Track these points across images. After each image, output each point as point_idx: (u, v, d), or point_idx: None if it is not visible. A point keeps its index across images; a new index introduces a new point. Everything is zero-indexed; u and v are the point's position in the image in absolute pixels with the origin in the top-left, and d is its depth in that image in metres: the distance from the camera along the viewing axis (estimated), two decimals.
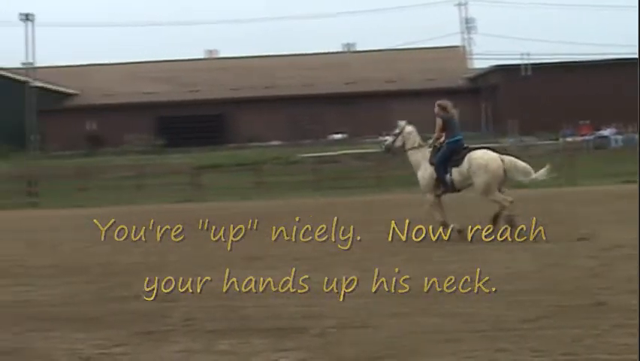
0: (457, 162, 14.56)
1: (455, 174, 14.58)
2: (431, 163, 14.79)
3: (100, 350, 7.24)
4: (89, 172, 42.15)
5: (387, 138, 15.85)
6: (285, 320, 8.15)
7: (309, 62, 65.01)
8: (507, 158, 14.60)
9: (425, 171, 14.85)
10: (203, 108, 58.85)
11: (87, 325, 8.37)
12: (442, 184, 14.74)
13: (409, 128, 15.42)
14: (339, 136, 54.76)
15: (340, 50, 71.69)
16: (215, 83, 61.99)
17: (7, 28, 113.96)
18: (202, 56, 70.78)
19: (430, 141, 14.95)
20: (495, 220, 14.19)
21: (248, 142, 55.43)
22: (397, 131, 15.55)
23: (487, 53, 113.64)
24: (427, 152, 14.94)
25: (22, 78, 54.41)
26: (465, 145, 14.86)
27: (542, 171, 14.44)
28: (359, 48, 71.52)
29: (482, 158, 14.47)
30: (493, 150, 15.18)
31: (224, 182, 40.99)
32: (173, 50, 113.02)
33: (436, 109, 14.83)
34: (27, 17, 48.59)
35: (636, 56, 46.90)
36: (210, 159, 47.03)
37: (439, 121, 14.79)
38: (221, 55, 70.20)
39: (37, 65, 55.18)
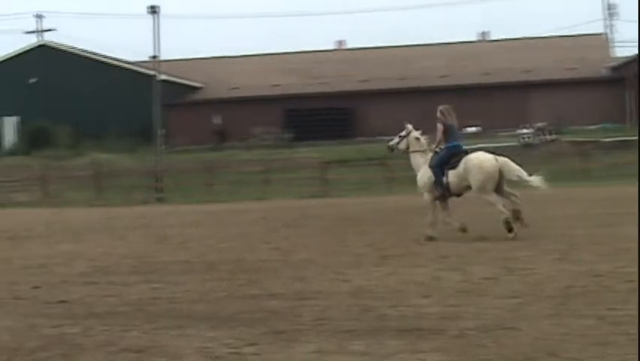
0: (454, 165, 15.59)
1: (451, 176, 15.57)
2: (430, 166, 15.84)
3: (230, 350, 7.32)
4: (215, 167, 42.90)
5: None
6: (421, 321, 8.08)
7: (442, 52, 64.47)
8: (501, 159, 15.52)
9: (424, 174, 15.95)
10: (332, 101, 59.10)
11: (218, 323, 8.49)
12: (438, 186, 15.71)
13: (416, 133, 16.43)
14: (473, 129, 54.20)
15: (475, 39, 70.86)
16: (345, 75, 62.18)
17: (134, 22, 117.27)
18: (331, 47, 71.15)
19: (433, 146, 15.98)
20: (516, 218, 14.95)
21: (377, 136, 55.42)
22: (404, 133, 16.58)
23: (631, 40, 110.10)
24: (428, 156, 16.01)
25: (149, 72, 55.79)
26: (464, 149, 15.98)
27: (536, 178, 15.27)
28: (494, 37, 70.54)
29: (477, 158, 15.53)
30: (491, 151, 16.18)
31: (353, 177, 41.08)
32: (301, 42, 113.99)
33: (438, 114, 16.07)
34: (153, 10, 49.80)
35: None
36: (339, 154, 47.24)
37: (440, 127, 15.94)
38: (350, 46, 70.38)
39: (163, 58, 56.47)
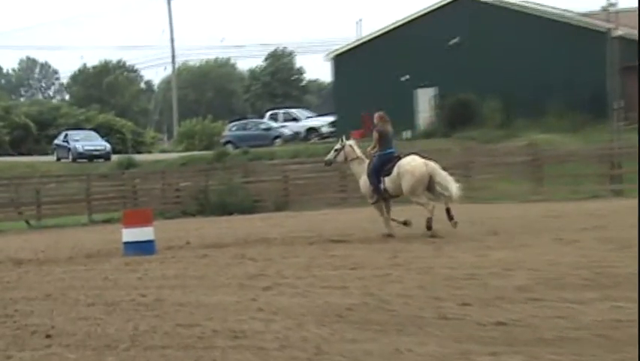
0: (389, 171, 21.90)
1: (388, 182, 21.97)
2: (367, 174, 22.40)
3: None
4: None
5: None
6: None
7: None
8: (431, 164, 21.82)
9: (364, 182, 22.65)
10: None
11: None
12: (375, 192, 22.25)
13: (350, 143, 23.46)
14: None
15: None
16: None
17: None
18: None
19: (368, 150, 22.59)
20: (428, 227, 21.30)
21: None
22: (339, 147, 23.49)
23: None
24: (365, 165, 22.64)
25: (601, 27, 55.21)
26: (396, 155, 22.22)
27: (454, 189, 21.52)
28: None
29: (409, 164, 21.76)
30: (420, 155, 22.43)
31: None
32: None
33: (375, 120, 22.68)
34: None
35: None
36: None
37: (375, 134, 22.46)
38: None
39: (622, 7, 55.47)
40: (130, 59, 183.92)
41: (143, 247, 21.72)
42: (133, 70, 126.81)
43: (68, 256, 22.73)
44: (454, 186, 21.60)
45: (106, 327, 12.10)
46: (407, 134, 56.32)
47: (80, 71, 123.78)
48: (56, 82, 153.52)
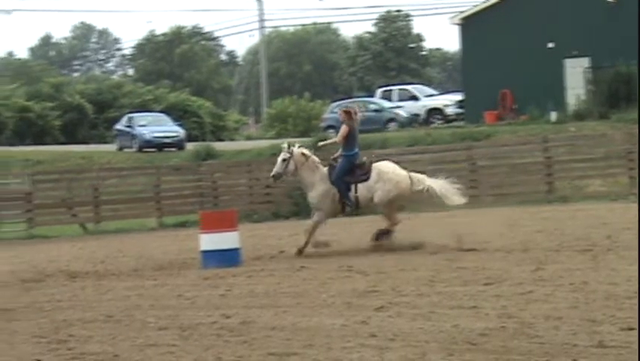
0: (365, 177, 23.44)
1: (362, 190, 23.44)
2: (332, 182, 23.52)
3: None
4: None
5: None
6: None
7: None
8: (416, 177, 23.80)
9: (322, 191, 23.72)
10: None
11: None
12: (346, 202, 23.59)
13: (300, 150, 24.32)
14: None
15: None
16: None
17: None
18: None
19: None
20: (378, 237, 23.32)
21: None
22: (286, 156, 24.21)
23: None
24: (323, 171, 23.86)
25: None
26: (363, 158, 24.03)
27: (455, 196, 23.52)
28: None
29: (394, 173, 23.62)
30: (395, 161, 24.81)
31: None
32: None
33: (342, 116, 24.27)
34: None
35: None
36: None
37: (345, 128, 23.56)
38: None
39: None
40: (208, 24, 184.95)
41: (226, 257, 21.92)
42: (212, 38, 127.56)
43: (133, 269, 23.00)
44: (454, 196, 23.78)
45: (181, 356, 12.20)
46: (553, 115, 55.60)
47: (146, 39, 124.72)
48: (118, 53, 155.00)
